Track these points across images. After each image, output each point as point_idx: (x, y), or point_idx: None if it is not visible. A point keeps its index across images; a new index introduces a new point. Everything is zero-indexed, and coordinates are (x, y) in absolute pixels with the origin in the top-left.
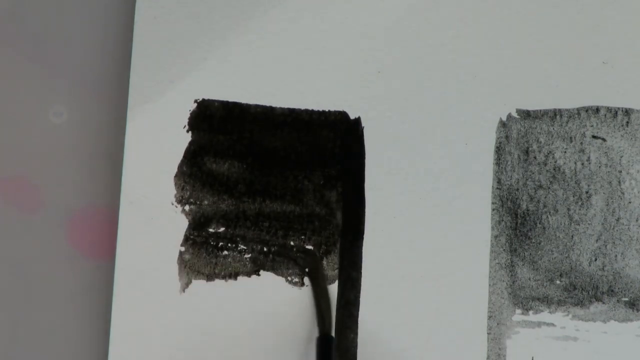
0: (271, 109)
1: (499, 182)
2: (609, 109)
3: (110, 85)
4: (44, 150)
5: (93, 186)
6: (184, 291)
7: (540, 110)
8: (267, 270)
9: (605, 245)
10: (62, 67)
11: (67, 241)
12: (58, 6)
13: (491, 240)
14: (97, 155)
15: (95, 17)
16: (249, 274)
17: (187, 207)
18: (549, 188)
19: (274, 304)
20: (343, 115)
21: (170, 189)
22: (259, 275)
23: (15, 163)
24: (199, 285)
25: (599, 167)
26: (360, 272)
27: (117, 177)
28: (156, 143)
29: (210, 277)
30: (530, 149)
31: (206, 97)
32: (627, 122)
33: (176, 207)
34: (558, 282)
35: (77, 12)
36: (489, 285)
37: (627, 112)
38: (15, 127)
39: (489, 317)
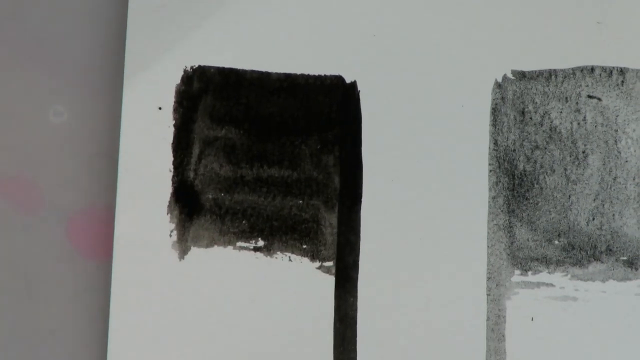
0: (267, 74)
1: (495, 143)
2: (603, 69)
3: (110, 85)
4: (44, 150)
5: (93, 186)
6: (183, 258)
7: (536, 71)
8: (266, 235)
9: (603, 205)
10: (62, 67)
11: (67, 241)
12: (58, 6)
13: (489, 202)
14: (97, 155)
15: (95, 18)
16: (247, 240)
17: (185, 174)
18: (545, 148)
19: (273, 270)
20: (339, 79)
21: (167, 154)
22: (258, 241)
23: (15, 163)
24: (198, 252)
25: (595, 126)
26: (359, 236)
27: (117, 177)
28: (152, 114)
29: (209, 244)
30: (526, 109)
31: (202, 64)
32: (622, 82)
33: (174, 174)
34: (556, 242)
35: (77, 12)
36: (488, 246)
37: (622, 71)
38: (15, 127)
39: (488, 279)
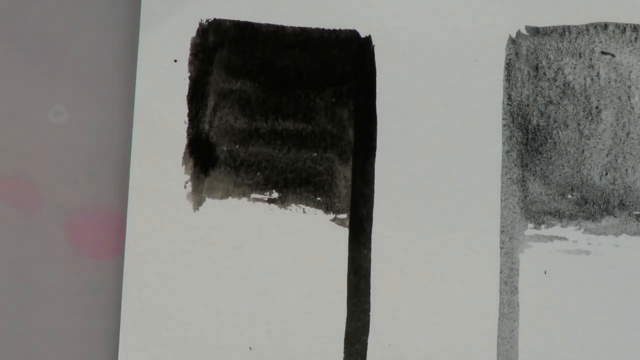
0: (282, 28)
1: (509, 98)
2: (617, 25)
3: (111, 85)
4: (44, 150)
5: (93, 186)
6: (197, 210)
7: (549, 27)
8: (280, 188)
9: (616, 160)
10: (62, 67)
11: (67, 241)
12: (58, 6)
13: (502, 156)
14: (98, 155)
15: (96, 17)
16: (262, 192)
17: (200, 126)
18: (559, 104)
19: (287, 222)
20: (354, 33)
21: (182, 106)
22: (272, 193)
23: (15, 163)
24: (212, 204)
25: (608, 82)
26: (373, 189)
27: (119, 177)
28: (168, 67)
29: (224, 196)
30: (539, 65)
31: (218, 17)
32: (636, 38)
33: (189, 126)
34: (570, 196)
35: (78, 12)
36: (501, 200)
37: (636, 28)
38: (15, 127)
39: (502, 232)
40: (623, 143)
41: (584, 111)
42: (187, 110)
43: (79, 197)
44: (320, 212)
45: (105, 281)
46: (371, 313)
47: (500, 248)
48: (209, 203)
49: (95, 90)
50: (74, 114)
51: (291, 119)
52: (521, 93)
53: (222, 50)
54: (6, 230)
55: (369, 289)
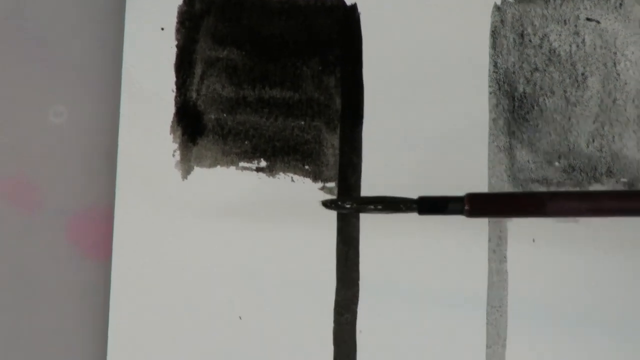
0: None
1: (495, 65)
2: None
3: (110, 85)
4: (44, 150)
5: (93, 186)
6: (186, 178)
7: None
8: (268, 156)
9: (603, 127)
10: (62, 67)
11: (67, 241)
12: (58, 6)
13: (489, 124)
14: (97, 155)
15: (95, 17)
16: (250, 160)
17: (187, 95)
18: (545, 71)
19: (276, 190)
20: (340, 1)
21: (170, 74)
22: (260, 161)
23: (15, 163)
24: (201, 172)
25: (594, 49)
26: (361, 157)
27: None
28: (155, 35)
29: (212, 164)
30: (525, 32)
31: None
32: (620, 4)
33: (177, 95)
34: (557, 164)
35: (77, 12)
36: (488, 168)
37: None
38: (15, 127)
39: None
40: (609, 110)
41: (569, 78)
42: (174, 79)
43: (79, 197)
44: (308, 180)
45: (105, 281)
46: (360, 282)
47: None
48: (198, 172)
49: (95, 91)
50: (74, 114)
51: (278, 87)
52: (507, 60)
53: (208, 18)
54: (6, 230)
55: (358, 257)
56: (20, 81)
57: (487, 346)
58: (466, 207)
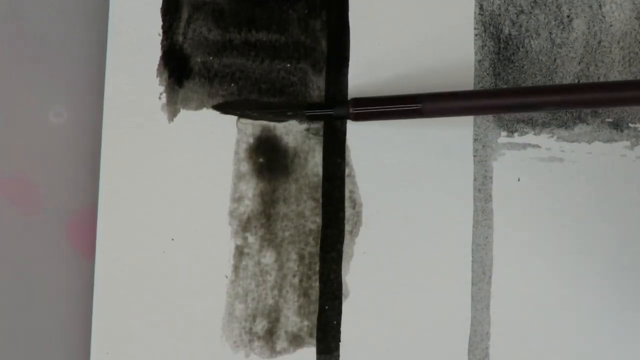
0: None
1: (481, 7)
2: None
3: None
4: (44, 150)
5: (93, 186)
6: (172, 120)
7: None
8: (254, 97)
9: (588, 68)
10: (62, 67)
11: (67, 241)
12: (58, 6)
13: (475, 65)
14: (97, 155)
15: (95, 17)
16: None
17: (174, 38)
18: (530, 13)
19: (262, 131)
20: None
21: (156, 18)
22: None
23: (15, 163)
24: (187, 115)
25: None
26: (347, 98)
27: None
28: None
29: (198, 107)
30: None
31: None
32: None
33: (163, 38)
34: None
35: (77, 12)
36: None
37: None
38: (15, 127)
39: (475, 140)
40: (594, 51)
41: (555, 20)
42: (161, 23)
43: (79, 197)
44: (294, 122)
45: None
46: (346, 221)
47: (474, 156)
48: (184, 114)
49: (96, 91)
50: (74, 114)
51: (264, 30)
52: (493, 3)
53: None
54: (6, 230)
55: (344, 197)
56: (20, 81)
57: (472, 283)
58: (351, 110)
